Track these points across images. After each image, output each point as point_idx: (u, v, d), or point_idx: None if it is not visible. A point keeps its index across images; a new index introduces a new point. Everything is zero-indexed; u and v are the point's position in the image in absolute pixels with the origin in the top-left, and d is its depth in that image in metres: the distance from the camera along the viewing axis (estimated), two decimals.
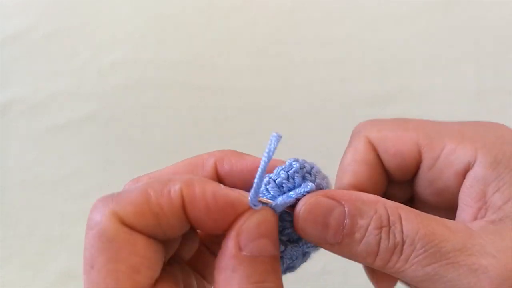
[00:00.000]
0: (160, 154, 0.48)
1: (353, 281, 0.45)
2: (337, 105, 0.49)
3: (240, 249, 0.20)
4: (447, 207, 0.22)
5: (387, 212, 0.20)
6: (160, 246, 0.21)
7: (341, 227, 0.21)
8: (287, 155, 0.49)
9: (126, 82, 0.51)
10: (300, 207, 0.21)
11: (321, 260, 0.44)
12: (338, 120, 0.48)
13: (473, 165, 0.21)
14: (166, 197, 0.20)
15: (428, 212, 0.21)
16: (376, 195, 0.21)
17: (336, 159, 0.50)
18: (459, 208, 0.21)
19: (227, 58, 0.51)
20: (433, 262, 0.19)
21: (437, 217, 0.20)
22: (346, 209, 0.21)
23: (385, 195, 0.25)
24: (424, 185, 0.23)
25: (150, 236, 0.20)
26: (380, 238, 0.20)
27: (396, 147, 0.23)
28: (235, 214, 0.20)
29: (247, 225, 0.20)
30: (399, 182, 0.25)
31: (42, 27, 0.54)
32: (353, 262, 0.44)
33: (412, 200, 0.25)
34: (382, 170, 0.24)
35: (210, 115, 0.49)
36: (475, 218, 0.20)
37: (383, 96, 0.49)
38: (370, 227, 0.20)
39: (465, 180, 0.21)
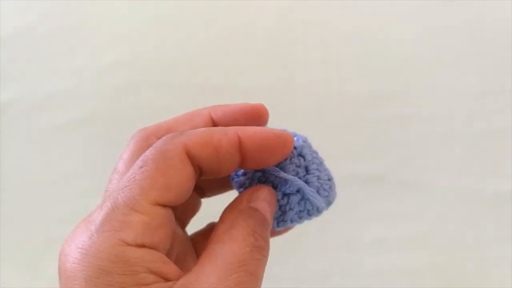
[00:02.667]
0: None
1: (353, 281, 0.45)
2: (337, 105, 0.49)
3: (249, 202, 0.24)
4: None
5: None
6: (193, 186, 0.24)
7: None
8: None
9: (125, 82, 0.51)
10: None
11: (321, 260, 0.44)
12: (338, 120, 0.48)
13: None
14: (225, 135, 0.24)
15: None
16: None
17: (336, 159, 0.50)
18: None
19: (227, 58, 0.51)
20: None
21: None
22: None
23: None
24: None
25: (203, 166, 0.24)
26: None
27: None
28: (282, 145, 0.25)
29: (257, 190, 0.25)
30: None
31: (42, 27, 0.54)
32: (353, 262, 0.45)
33: None
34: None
35: None
36: None
37: (383, 96, 0.49)
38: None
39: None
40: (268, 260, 0.42)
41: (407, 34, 0.51)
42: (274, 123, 0.51)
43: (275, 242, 0.45)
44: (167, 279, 0.21)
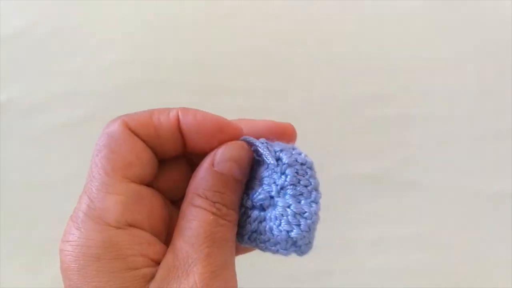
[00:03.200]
0: None
1: (353, 281, 0.45)
2: (337, 105, 0.49)
3: (213, 165, 0.24)
4: None
5: None
6: (154, 158, 0.25)
7: None
8: None
9: (126, 81, 0.51)
10: None
11: (321, 260, 0.44)
12: (338, 120, 0.48)
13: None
14: (165, 115, 0.25)
15: None
16: None
17: (336, 159, 0.51)
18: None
19: (227, 58, 0.51)
20: None
21: None
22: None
23: None
24: None
25: (149, 145, 0.25)
26: None
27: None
28: (222, 135, 0.25)
29: (223, 149, 0.24)
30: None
31: (42, 27, 0.54)
32: (352, 262, 0.45)
33: None
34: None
35: None
36: None
37: (383, 96, 0.49)
38: None
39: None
40: (268, 259, 0.42)
41: (407, 34, 0.51)
42: None
43: None
44: (155, 261, 0.22)
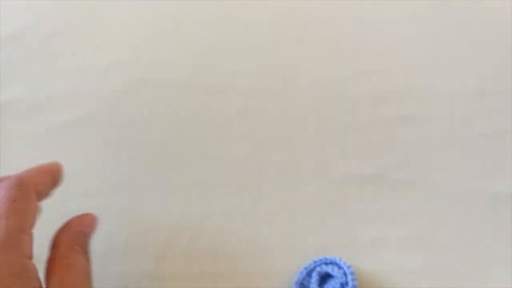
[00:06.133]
0: (160, 154, 0.48)
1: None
2: (337, 105, 0.49)
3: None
4: None
5: None
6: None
7: None
8: (286, 155, 0.50)
9: (126, 82, 0.51)
10: None
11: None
12: (338, 120, 0.48)
13: None
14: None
15: None
16: None
17: (335, 159, 0.51)
18: None
19: (227, 58, 0.51)
20: None
21: None
22: None
23: None
24: None
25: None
26: None
27: None
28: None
29: (84, 217, 0.37)
30: None
31: (42, 27, 0.54)
32: (351, 262, 0.45)
33: None
34: None
35: (210, 116, 0.49)
36: None
37: (383, 96, 0.49)
38: None
39: None
40: (268, 259, 0.42)
41: (407, 34, 0.51)
42: (275, 123, 0.51)
43: (274, 241, 0.45)
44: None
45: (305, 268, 0.40)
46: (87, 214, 0.36)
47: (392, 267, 0.42)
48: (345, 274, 0.38)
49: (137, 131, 0.49)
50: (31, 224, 0.31)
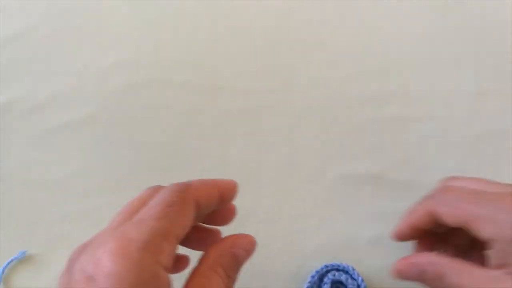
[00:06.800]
0: (160, 155, 0.48)
1: None
2: (337, 105, 0.49)
3: (232, 247, 0.30)
4: None
5: (438, 271, 0.32)
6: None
7: (419, 277, 0.34)
8: (286, 155, 0.50)
9: (126, 82, 0.51)
10: (397, 266, 0.35)
11: (319, 259, 0.44)
12: (338, 120, 0.49)
13: (495, 241, 0.31)
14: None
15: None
16: (435, 256, 0.33)
17: (335, 159, 0.51)
18: (490, 258, 0.32)
19: (227, 59, 0.51)
20: None
21: (471, 269, 0.32)
22: (420, 269, 0.34)
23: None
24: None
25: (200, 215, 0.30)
26: (436, 284, 0.33)
27: (447, 220, 0.34)
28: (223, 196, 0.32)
29: (243, 238, 0.31)
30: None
31: (43, 28, 0.54)
32: (351, 262, 0.45)
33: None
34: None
35: (210, 116, 0.49)
36: (499, 267, 0.31)
37: (383, 96, 0.49)
38: (429, 278, 0.33)
39: (491, 246, 0.32)
40: (268, 259, 0.42)
41: (407, 34, 0.51)
42: (275, 123, 0.51)
43: (274, 241, 0.46)
44: None
45: (317, 272, 0.40)
46: (245, 236, 0.31)
47: (391, 266, 0.42)
48: (358, 286, 0.39)
49: (137, 131, 0.49)
50: (178, 235, 0.27)
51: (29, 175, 0.48)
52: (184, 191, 0.29)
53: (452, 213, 0.33)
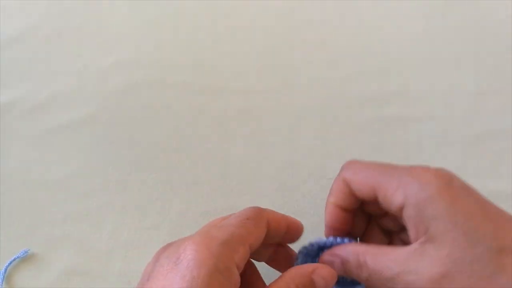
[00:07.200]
0: (160, 155, 0.48)
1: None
2: (337, 105, 0.49)
3: (312, 272, 0.32)
4: None
5: (359, 259, 0.32)
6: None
7: (340, 269, 0.33)
8: (286, 155, 0.50)
9: (127, 83, 0.51)
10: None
11: None
12: (338, 120, 0.49)
13: (404, 205, 0.31)
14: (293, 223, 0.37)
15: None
16: (354, 246, 0.33)
17: (336, 160, 0.51)
18: (407, 230, 0.31)
19: (228, 59, 0.51)
20: (385, 283, 0.30)
21: (387, 250, 0.31)
22: (339, 260, 0.33)
23: (374, 225, 0.37)
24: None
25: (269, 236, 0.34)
26: (358, 273, 0.32)
27: (360, 187, 0.33)
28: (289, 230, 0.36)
29: (325, 267, 0.33)
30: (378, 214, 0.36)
31: (43, 28, 0.54)
32: None
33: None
34: (356, 199, 0.34)
35: (210, 116, 0.49)
36: (416, 238, 0.30)
37: (383, 96, 0.49)
38: (352, 268, 0.32)
39: (402, 214, 0.31)
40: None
41: (407, 34, 0.51)
42: (274, 124, 0.51)
43: None
44: None
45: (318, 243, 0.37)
46: (327, 268, 0.32)
47: None
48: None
49: (137, 131, 0.49)
50: (252, 243, 0.31)
51: (29, 175, 0.48)
52: (259, 211, 0.33)
53: (361, 180, 0.33)
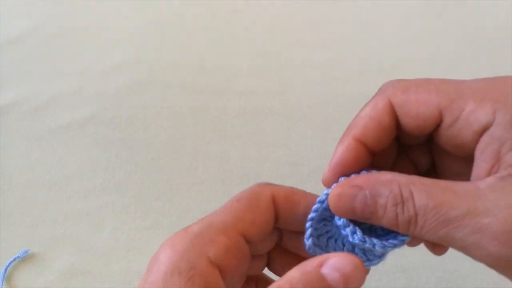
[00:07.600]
0: (161, 155, 0.48)
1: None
2: (337, 105, 0.49)
3: (320, 266, 0.22)
4: (467, 158, 0.24)
5: (400, 190, 0.23)
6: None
7: (366, 208, 0.24)
8: (286, 155, 0.50)
9: (128, 83, 0.51)
10: (329, 200, 0.25)
11: None
12: (338, 121, 0.49)
13: (491, 125, 0.22)
14: (304, 198, 0.27)
15: (450, 164, 0.25)
16: (392, 173, 0.24)
17: None
18: (474, 165, 0.23)
19: (228, 60, 0.52)
20: (443, 228, 0.22)
21: (447, 184, 0.22)
22: (367, 193, 0.24)
23: (405, 161, 0.28)
24: (443, 142, 0.25)
25: (281, 218, 0.27)
26: (397, 213, 0.23)
27: (418, 110, 0.24)
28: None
29: (339, 258, 0.22)
30: (414, 144, 0.27)
31: (45, 29, 0.54)
32: None
33: (433, 163, 0.28)
34: (392, 135, 0.26)
35: (211, 116, 0.49)
36: (489, 174, 0.22)
37: None
38: (388, 205, 0.23)
39: (481, 139, 0.22)
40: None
41: (407, 34, 0.51)
42: (274, 124, 0.51)
43: None
44: None
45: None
46: (337, 255, 0.23)
47: (392, 266, 0.42)
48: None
49: (138, 132, 0.49)
50: (244, 229, 0.25)
51: (30, 175, 0.48)
52: (256, 188, 0.27)
53: (421, 99, 0.24)
